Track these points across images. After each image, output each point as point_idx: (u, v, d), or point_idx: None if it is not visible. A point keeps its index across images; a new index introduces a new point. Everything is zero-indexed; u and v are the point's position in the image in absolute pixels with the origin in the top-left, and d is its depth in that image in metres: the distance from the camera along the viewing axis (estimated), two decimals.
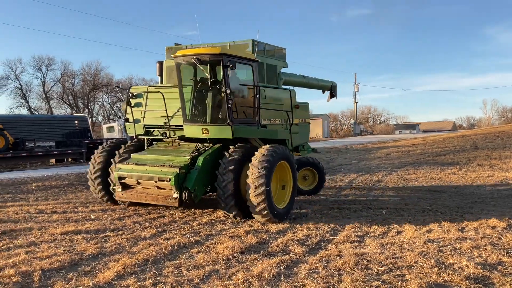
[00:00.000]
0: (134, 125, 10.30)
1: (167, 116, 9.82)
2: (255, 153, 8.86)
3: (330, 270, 5.88)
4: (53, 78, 65.77)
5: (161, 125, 10.13)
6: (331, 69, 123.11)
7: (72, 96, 66.46)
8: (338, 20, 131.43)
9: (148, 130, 10.34)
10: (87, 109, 66.17)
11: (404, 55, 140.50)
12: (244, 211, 8.89)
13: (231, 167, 8.74)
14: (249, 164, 8.63)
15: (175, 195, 8.61)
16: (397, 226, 8.48)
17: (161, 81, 11.15)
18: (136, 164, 9.28)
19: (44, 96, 64.89)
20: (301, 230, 8.20)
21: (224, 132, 9.11)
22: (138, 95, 10.34)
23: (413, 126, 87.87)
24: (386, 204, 10.87)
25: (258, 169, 8.43)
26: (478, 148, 24.11)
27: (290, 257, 6.50)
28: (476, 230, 8.06)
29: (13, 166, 22.21)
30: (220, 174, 8.78)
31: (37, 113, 61.15)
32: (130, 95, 10.26)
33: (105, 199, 10.66)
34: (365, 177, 16.55)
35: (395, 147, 28.65)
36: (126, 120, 10.42)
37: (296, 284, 5.40)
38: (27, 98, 63.86)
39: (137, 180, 9.02)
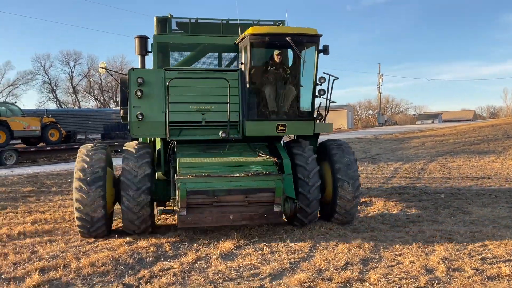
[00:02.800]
0: (148, 123, 7.51)
1: (229, 111, 7.52)
2: (334, 151, 8.05)
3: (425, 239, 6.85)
4: (80, 73, 67.50)
5: (198, 123, 7.67)
6: (347, 58, 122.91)
7: (100, 90, 68.06)
8: (353, 9, 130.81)
9: (175, 129, 7.61)
10: (113, 103, 67.72)
11: (421, 44, 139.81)
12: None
13: (317, 168, 7.74)
14: (337, 164, 7.85)
15: (278, 208, 7.05)
16: (459, 207, 9.40)
17: (142, 63, 8.61)
18: (209, 175, 6.95)
19: (72, 90, 66.64)
20: (375, 212, 9.15)
21: (305, 128, 8.11)
22: (148, 82, 7.50)
23: (435, 116, 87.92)
24: (441, 190, 11.75)
25: (354, 170, 7.87)
26: (510, 137, 24.72)
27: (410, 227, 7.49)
28: None
29: (66, 157, 23.51)
30: (305, 176, 7.58)
31: (65, 107, 62.92)
32: (138, 81, 7.36)
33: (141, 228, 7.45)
34: (408, 166, 17.38)
35: (427, 137, 29.33)
36: (129, 116, 7.51)
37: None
38: (55, 92, 65.70)
39: (217, 197, 6.88)
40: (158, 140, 8.36)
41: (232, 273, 5.73)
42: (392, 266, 5.87)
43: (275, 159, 7.53)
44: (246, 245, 6.96)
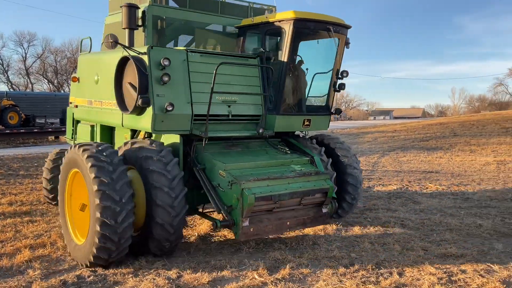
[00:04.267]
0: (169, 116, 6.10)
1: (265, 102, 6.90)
2: (340, 152, 7.78)
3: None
4: (34, 54, 65.31)
5: (224, 117, 6.63)
6: None
7: (54, 73, 66.17)
8: (313, 4, 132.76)
9: (199, 124, 6.39)
10: (67, 86, 66.04)
11: (377, 43, 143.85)
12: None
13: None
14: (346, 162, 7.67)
15: (325, 209, 6.69)
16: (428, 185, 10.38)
17: (130, 39, 6.71)
18: (268, 177, 6.15)
19: (25, 71, 64.43)
20: None
21: (323, 123, 7.73)
22: (170, 65, 6.04)
23: (387, 113, 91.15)
24: (396, 178, 12.76)
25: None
26: (457, 135, 26.36)
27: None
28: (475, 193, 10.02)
29: (24, 141, 23.18)
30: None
31: (17, 89, 60.85)
32: (164, 63, 5.90)
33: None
34: (363, 159, 18.41)
35: (380, 132, 30.74)
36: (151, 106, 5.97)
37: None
38: (7, 73, 63.34)
39: (277, 202, 6.12)
40: (167, 137, 6.68)
41: None
42: (353, 245, 6.65)
43: (310, 156, 7.08)
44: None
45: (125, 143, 6.33)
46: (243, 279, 5.33)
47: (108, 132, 7.71)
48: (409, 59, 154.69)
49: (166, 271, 5.52)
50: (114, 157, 5.66)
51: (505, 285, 5.15)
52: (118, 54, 6.58)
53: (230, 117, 6.64)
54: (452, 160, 18.14)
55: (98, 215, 5.21)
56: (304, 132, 7.88)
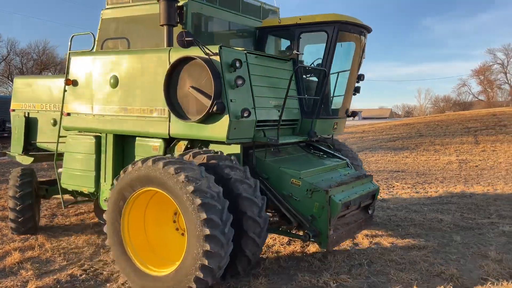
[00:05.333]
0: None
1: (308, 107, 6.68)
2: (352, 160, 7.51)
3: None
4: None
5: (275, 122, 6.18)
6: None
7: (20, 75, 64.89)
8: (282, 7, 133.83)
9: (260, 131, 6.07)
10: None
11: None
12: None
13: None
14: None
15: (370, 211, 6.75)
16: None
17: (169, 37, 6.15)
18: (340, 183, 5.98)
19: None
20: None
21: (342, 126, 7.63)
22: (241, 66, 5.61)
23: (355, 113, 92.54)
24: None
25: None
26: (422, 135, 27.42)
27: None
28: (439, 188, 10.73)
29: None
30: None
31: None
32: (237, 65, 5.49)
33: None
34: None
35: (349, 133, 31.62)
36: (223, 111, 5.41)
37: None
38: None
39: (349, 207, 6.05)
40: (225, 148, 5.85)
41: None
42: None
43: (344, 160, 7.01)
44: None
45: (194, 154, 5.48)
46: None
47: (120, 142, 6.56)
48: (377, 60, 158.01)
49: None
50: (212, 181, 4.95)
51: (460, 272, 5.75)
52: (162, 53, 5.89)
53: (281, 123, 6.20)
54: (417, 160, 19.01)
55: (206, 245, 4.57)
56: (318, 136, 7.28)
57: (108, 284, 5.48)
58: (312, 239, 5.58)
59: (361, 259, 6.27)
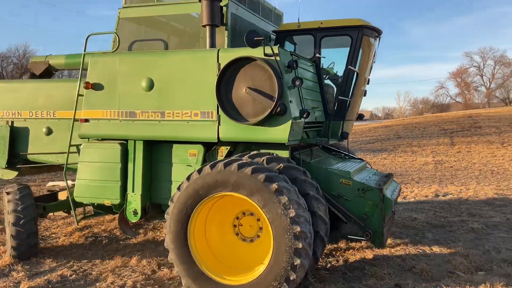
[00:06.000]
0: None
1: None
2: None
3: None
4: None
5: (319, 124, 6.53)
6: None
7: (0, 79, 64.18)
8: None
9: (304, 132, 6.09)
10: None
11: None
12: None
13: None
14: None
15: (394, 209, 6.73)
16: None
17: (211, 38, 6.06)
18: (381, 182, 6.12)
19: None
20: None
21: (351, 128, 7.78)
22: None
23: (362, 116, 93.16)
24: None
25: None
26: (400, 137, 28.12)
27: None
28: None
29: None
30: None
31: None
32: (294, 64, 5.51)
33: None
34: None
35: None
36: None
37: None
38: None
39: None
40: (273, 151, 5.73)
41: None
42: None
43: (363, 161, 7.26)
44: None
45: (252, 156, 5.33)
46: None
47: (148, 149, 6.18)
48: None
49: (134, 267, 6.21)
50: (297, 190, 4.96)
51: (430, 266, 6.15)
52: (209, 54, 5.70)
53: (315, 124, 6.34)
54: (395, 161, 19.57)
55: (297, 259, 4.63)
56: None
57: (97, 284, 5.73)
58: (367, 239, 5.68)
59: (338, 256, 6.64)
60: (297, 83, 5.42)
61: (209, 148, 5.94)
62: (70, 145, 6.42)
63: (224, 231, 5.37)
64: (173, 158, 6.04)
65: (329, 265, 6.29)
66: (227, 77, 5.43)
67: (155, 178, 6.13)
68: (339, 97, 6.63)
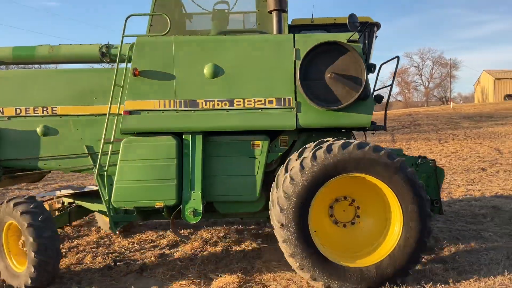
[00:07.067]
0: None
1: None
2: None
3: None
4: None
5: None
6: None
7: None
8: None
9: None
10: None
11: None
12: None
13: None
14: None
15: None
16: None
17: (279, 24, 5.88)
18: None
19: None
20: None
21: None
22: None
23: None
24: None
25: None
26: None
27: None
28: None
29: None
30: None
31: None
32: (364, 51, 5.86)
33: None
34: None
35: None
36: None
37: None
38: None
39: None
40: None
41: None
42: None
43: None
44: None
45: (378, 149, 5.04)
46: None
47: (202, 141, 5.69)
48: None
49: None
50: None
51: None
52: (284, 39, 5.58)
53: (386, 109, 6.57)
54: None
55: (425, 239, 5.01)
56: None
57: None
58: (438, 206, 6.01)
59: None
60: (373, 69, 5.56)
61: (273, 139, 5.76)
62: (104, 143, 5.63)
63: (322, 218, 5.42)
64: (232, 151, 5.69)
65: (282, 259, 6.63)
66: (309, 62, 5.37)
67: (209, 174, 5.66)
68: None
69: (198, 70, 5.53)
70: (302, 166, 4.93)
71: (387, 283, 4.98)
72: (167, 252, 6.88)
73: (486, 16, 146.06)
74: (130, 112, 5.57)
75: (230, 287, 5.39)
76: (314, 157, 4.92)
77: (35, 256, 5.21)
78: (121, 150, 5.50)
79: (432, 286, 5.10)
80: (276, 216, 5.02)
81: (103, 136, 5.61)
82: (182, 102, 5.56)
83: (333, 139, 5.26)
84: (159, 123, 5.56)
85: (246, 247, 7.02)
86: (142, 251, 6.99)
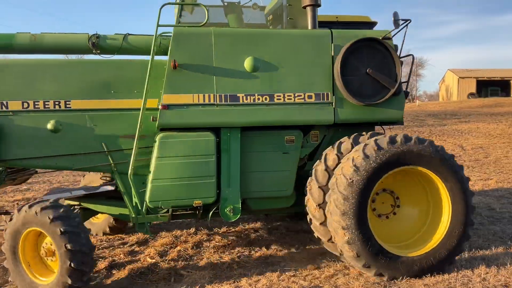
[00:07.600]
0: None
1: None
2: None
3: None
4: None
5: None
6: None
7: None
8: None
9: None
10: None
11: None
12: None
13: None
14: None
15: None
16: None
17: (313, 19, 5.95)
18: None
19: None
20: None
21: None
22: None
23: None
24: None
25: None
26: None
27: None
28: None
29: None
30: None
31: None
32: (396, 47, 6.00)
33: None
34: None
35: None
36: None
37: None
38: None
39: None
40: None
41: None
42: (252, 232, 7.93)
43: None
44: None
45: (423, 142, 5.21)
46: None
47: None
48: None
49: None
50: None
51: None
52: (322, 34, 5.67)
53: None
54: None
55: (467, 231, 5.33)
56: None
57: None
58: None
59: (260, 244, 7.04)
60: (402, 65, 5.70)
61: (305, 133, 5.83)
62: (138, 139, 5.34)
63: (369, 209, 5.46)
64: (267, 146, 5.65)
65: (252, 253, 6.71)
66: (348, 58, 5.50)
67: (244, 170, 5.57)
68: None
69: (238, 63, 5.42)
70: (366, 155, 5.04)
71: (435, 272, 5.21)
72: (137, 249, 6.85)
73: (452, 16, 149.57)
74: (168, 107, 5.30)
75: (202, 282, 5.44)
76: (379, 147, 5.06)
77: (70, 265, 4.76)
78: (157, 146, 5.25)
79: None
80: (335, 201, 5.04)
81: (136, 133, 5.32)
82: (223, 96, 5.40)
83: (369, 133, 5.61)
84: (198, 118, 5.37)
85: (217, 243, 7.06)
86: (110, 248, 6.94)
